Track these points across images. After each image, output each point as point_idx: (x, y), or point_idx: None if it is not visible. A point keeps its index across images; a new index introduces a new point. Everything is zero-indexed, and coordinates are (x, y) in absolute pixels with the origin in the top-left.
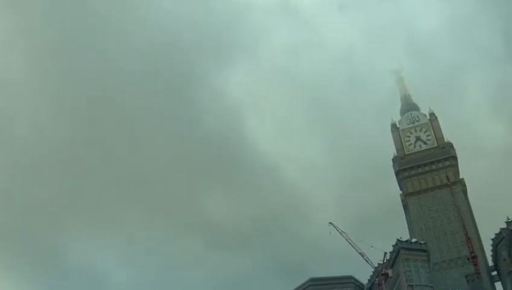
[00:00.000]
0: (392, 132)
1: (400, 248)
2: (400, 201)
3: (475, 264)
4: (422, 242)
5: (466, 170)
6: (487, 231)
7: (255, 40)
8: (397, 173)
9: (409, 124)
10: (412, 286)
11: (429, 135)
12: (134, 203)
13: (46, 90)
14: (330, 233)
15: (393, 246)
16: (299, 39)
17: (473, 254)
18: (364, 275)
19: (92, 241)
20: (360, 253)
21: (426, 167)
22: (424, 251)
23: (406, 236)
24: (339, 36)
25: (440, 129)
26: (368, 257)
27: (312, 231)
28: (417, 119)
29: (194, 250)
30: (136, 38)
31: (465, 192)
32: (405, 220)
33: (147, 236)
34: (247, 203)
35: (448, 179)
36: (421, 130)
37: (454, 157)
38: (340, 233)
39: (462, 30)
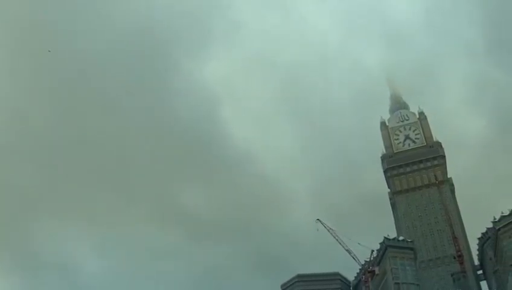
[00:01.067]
0: (381, 130)
1: (387, 246)
2: (385, 198)
3: (461, 263)
4: (409, 240)
5: (454, 169)
6: (474, 230)
7: (232, 28)
8: (385, 171)
9: (398, 122)
10: (398, 283)
11: (418, 134)
12: (111, 193)
13: (24, 73)
14: (318, 230)
15: (380, 243)
16: (277, 29)
17: (459, 253)
18: (347, 270)
19: (66, 232)
20: (347, 250)
21: (414, 165)
22: (411, 249)
23: (392, 234)
24: (317, 26)
25: (429, 128)
26: (355, 254)
27: (292, 225)
28: (406, 118)
29: (172, 241)
30: (113, 24)
31: (452, 191)
32: (392, 218)
33: (123, 227)
34: (224, 195)
35: (436, 178)
36: (410, 129)
37: (443, 157)
38: (327, 230)
39: (442, 22)
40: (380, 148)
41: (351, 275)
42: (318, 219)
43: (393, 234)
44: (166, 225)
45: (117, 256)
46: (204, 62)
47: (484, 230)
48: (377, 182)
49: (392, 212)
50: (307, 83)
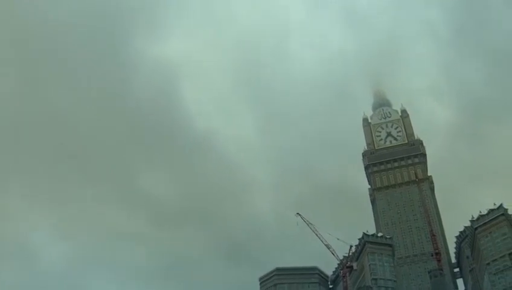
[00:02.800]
0: (364, 126)
1: (366, 242)
2: (365, 194)
3: (438, 261)
4: (388, 237)
5: (434, 167)
6: (452, 228)
7: (195, 4)
8: (366, 167)
9: (381, 119)
10: (376, 279)
11: (400, 131)
12: (71, 172)
13: None
14: (297, 224)
15: (359, 239)
16: (241, 8)
17: (436, 251)
18: (315, 262)
19: (25, 215)
20: (326, 245)
21: (395, 162)
22: (390, 245)
23: (371, 230)
24: (279, 8)
25: (411, 126)
26: (333, 250)
27: (257, 214)
28: (389, 115)
29: (134, 225)
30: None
31: (432, 189)
32: (372, 214)
33: (83, 209)
34: (185, 179)
35: (416, 175)
36: (392, 126)
37: (424, 155)
38: (307, 224)
39: (406, 5)
40: (352, 139)
41: (325, 268)
42: (298, 213)
43: (372, 230)
44: (128, 208)
45: (78, 239)
46: (164, 38)
47: (462, 228)
48: (341, 174)
49: (371, 208)
50: (269, 66)
